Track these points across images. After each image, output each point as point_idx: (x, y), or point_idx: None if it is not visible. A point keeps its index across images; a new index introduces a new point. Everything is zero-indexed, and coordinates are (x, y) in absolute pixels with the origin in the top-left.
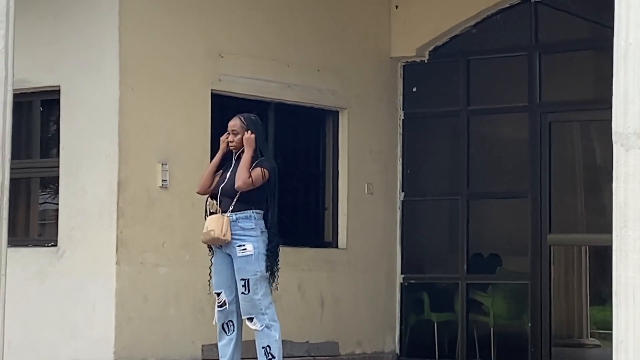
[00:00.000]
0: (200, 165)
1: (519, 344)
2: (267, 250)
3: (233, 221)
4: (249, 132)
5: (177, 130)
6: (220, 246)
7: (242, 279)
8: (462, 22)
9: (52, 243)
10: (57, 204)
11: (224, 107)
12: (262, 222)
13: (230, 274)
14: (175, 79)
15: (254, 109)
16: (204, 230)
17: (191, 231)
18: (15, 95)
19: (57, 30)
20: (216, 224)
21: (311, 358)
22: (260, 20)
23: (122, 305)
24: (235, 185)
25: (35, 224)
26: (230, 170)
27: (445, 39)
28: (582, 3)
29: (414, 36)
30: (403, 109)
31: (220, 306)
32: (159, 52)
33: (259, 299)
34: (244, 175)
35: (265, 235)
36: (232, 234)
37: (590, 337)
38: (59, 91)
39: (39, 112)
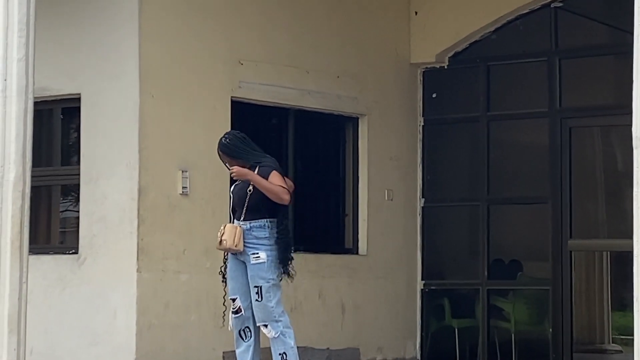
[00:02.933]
0: (220, 172)
1: (541, 350)
2: (279, 257)
3: (247, 230)
4: (231, 168)
5: (197, 137)
6: (235, 253)
7: (255, 286)
8: (481, 27)
9: (73, 250)
10: (78, 211)
11: (244, 114)
12: (276, 229)
13: (245, 281)
14: (195, 86)
15: (274, 116)
16: (218, 239)
17: (212, 238)
18: (36, 103)
19: (77, 38)
20: (229, 234)
21: None
22: (280, 27)
23: (143, 312)
24: (283, 203)
25: (56, 232)
26: (235, 186)
27: (464, 45)
28: (602, 8)
29: (434, 42)
30: (423, 115)
31: (236, 312)
32: (178, 60)
33: (272, 307)
34: (273, 188)
35: (276, 242)
36: (245, 242)
37: (612, 342)
38: (79, 99)
39: (59, 120)
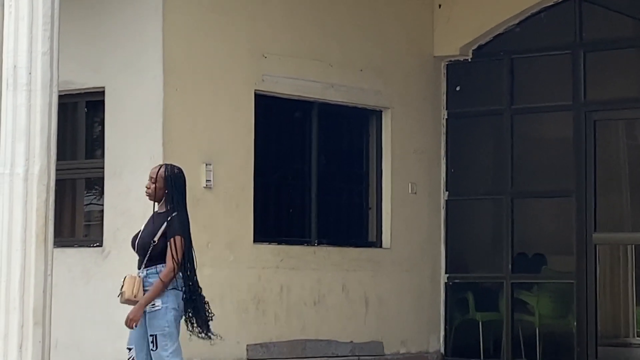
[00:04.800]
0: (244, 165)
1: (565, 343)
2: (180, 308)
3: (144, 277)
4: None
5: (221, 130)
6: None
7: (151, 335)
8: (505, 20)
9: (98, 243)
10: (102, 204)
11: (267, 107)
12: (177, 281)
13: (143, 331)
14: (218, 79)
15: (297, 109)
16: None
17: (235, 231)
18: (60, 97)
19: (101, 32)
20: (128, 285)
21: (356, 358)
22: (303, 20)
23: None
24: (166, 279)
25: (80, 225)
26: (145, 225)
27: (488, 38)
28: (627, 0)
29: (457, 35)
30: (446, 108)
31: None
32: (202, 53)
33: (168, 356)
34: (161, 285)
35: (180, 296)
36: (144, 291)
37: (637, 336)
38: (103, 92)
39: (83, 113)
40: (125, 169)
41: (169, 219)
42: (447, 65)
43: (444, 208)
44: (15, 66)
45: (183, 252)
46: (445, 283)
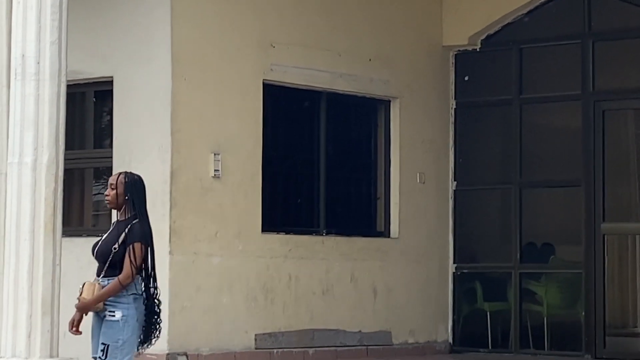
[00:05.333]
0: (252, 154)
1: (573, 333)
2: (139, 318)
3: (105, 285)
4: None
5: (229, 120)
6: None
7: (102, 343)
8: (514, 10)
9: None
10: None
11: (275, 96)
12: (136, 286)
13: None
14: (227, 69)
15: (306, 99)
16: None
17: (244, 221)
18: (68, 87)
19: (109, 22)
20: (87, 292)
21: (364, 347)
22: (312, 10)
23: (175, 295)
24: (124, 282)
25: (89, 214)
26: (107, 233)
27: (497, 27)
28: None
29: (466, 25)
30: (455, 98)
31: None
32: (210, 43)
33: None
34: (118, 286)
35: (140, 301)
36: (106, 300)
37: None
38: (112, 82)
39: (92, 103)
40: (134, 158)
41: (129, 226)
42: (455, 55)
43: (452, 198)
44: (23, 55)
45: (142, 259)
46: (454, 273)
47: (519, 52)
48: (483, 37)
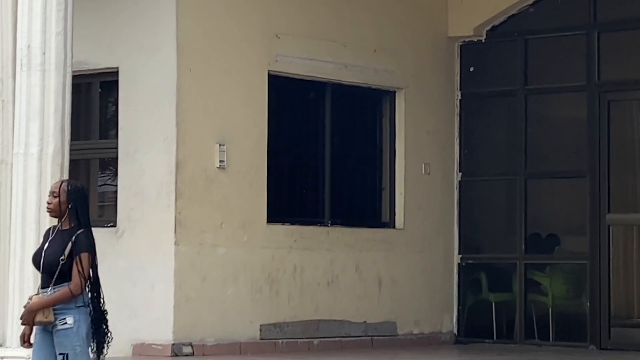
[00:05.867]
0: (257, 145)
1: (578, 324)
2: (87, 328)
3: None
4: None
5: (235, 110)
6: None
7: (60, 354)
8: (519, 1)
9: (111, 224)
10: (116, 185)
11: (280, 87)
12: (83, 297)
13: (48, 353)
14: (232, 60)
15: (311, 90)
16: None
17: (249, 212)
18: (74, 77)
19: (115, 13)
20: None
21: (369, 338)
22: (317, 0)
23: (180, 286)
24: (76, 292)
25: (94, 205)
26: (48, 242)
27: (502, 18)
28: None
29: (471, 15)
30: (460, 89)
31: None
32: (216, 34)
33: None
34: (66, 294)
35: (87, 312)
36: (54, 310)
37: None
38: (117, 72)
39: (97, 94)
40: (139, 149)
41: (74, 236)
42: (461, 45)
43: (458, 189)
44: (29, 46)
45: (90, 269)
46: (459, 264)
47: (524, 43)
48: (488, 28)
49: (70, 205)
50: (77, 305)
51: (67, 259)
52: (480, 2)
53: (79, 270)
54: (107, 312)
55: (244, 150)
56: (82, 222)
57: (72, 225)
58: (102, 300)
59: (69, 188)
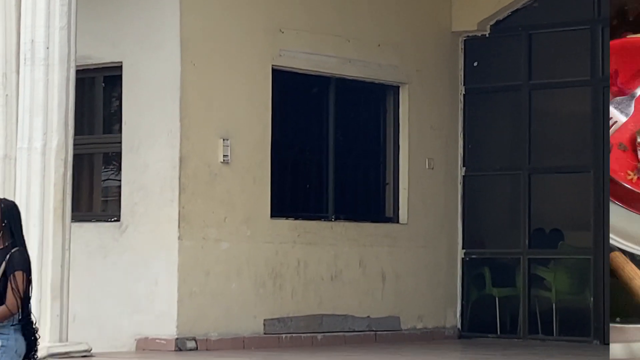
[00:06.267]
0: (261, 140)
1: (582, 319)
2: (18, 349)
3: None
4: None
5: (238, 105)
6: None
7: None
8: None
9: (115, 218)
10: (120, 179)
11: (284, 82)
12: (15, 317)
13: None
14: (235, 54)
15: (314, 85)
16: None
17: (252, 206)
18: (78, 72)
19: (119, 7)
20: None
21: (372, 333)
22: None
23: (184, 280)
24: (13, 310)
25: (98, 200)
26: None
27: (506, 13)
28: None
29: (475, 10)
30: (464, 84)
31: None
32: (219, 28)
33: None
34: (6, 313)
35: (19, 332)
36: None
37: None
38: (121, 67)
39: (101, 88)
40: (143, 144)
41: (8, 255)
42: (464, 40)
43: (461, 184)
44: (32, 41)
45: (24, 288)
46: (462, 258)
47: (528, 37)
48: (492, 22)
49: (4, 224)
50: (10, 324)
51: (2, 278)
52: None
53: (12, 288)
54: (37, 330)
55: (248, 145)
56: (17, 240)
57: (7, 244)
58: (34, 320)
59: (2, 206)
